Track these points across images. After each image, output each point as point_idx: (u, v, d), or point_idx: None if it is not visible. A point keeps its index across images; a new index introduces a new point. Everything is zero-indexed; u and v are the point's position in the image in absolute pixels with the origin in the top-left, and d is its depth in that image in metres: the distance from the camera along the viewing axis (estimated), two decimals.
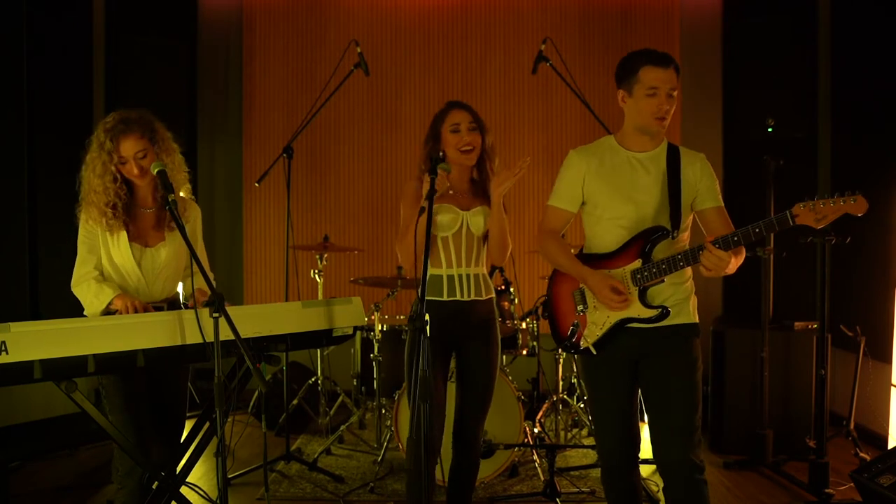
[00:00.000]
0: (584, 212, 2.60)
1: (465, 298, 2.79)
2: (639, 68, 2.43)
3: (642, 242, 2.42)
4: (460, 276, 2.79)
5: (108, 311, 2.49)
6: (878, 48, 4.57)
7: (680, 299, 2.47)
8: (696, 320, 2.51)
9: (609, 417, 2.55)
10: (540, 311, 4.39)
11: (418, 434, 2.22)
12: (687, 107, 5.54)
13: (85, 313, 2.54)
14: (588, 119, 4.81)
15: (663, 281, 2.42)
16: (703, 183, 2.49)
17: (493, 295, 2.89)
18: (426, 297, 2.50)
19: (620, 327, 2.46)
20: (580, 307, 2.55)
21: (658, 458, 2.44)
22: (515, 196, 5.58)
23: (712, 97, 5.45)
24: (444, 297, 2.76)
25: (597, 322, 2.50)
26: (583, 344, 2.54)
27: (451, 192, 2.82)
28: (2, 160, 4.19)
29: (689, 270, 2.48)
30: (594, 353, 2.52)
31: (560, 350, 4.35)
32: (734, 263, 2.32)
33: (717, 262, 2.25)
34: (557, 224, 2.63)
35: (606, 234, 2.52)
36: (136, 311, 2.43)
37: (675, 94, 2.43)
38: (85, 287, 2.52)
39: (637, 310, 2.43)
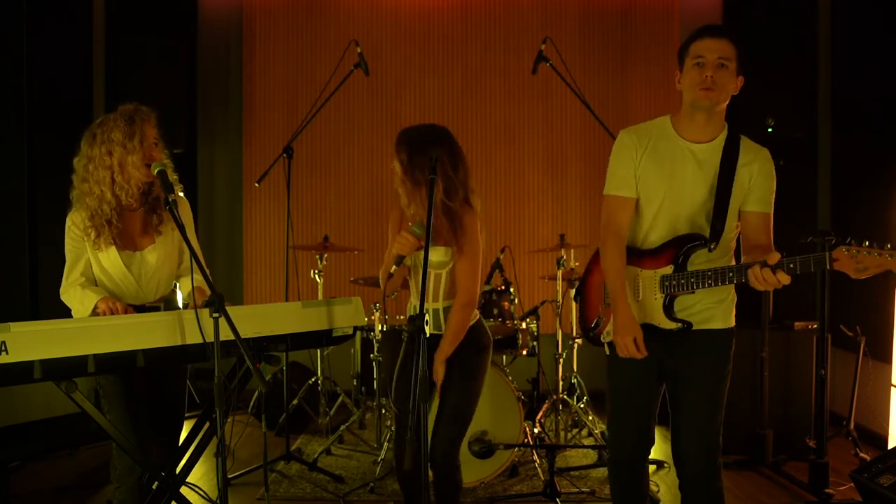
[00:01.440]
0: None
1: None
2: (691, 43, 2.33)
3: (677, 249, 2.32)
4: (415, 308, 2.65)
5: (94, 315, 2.47)
6: (878, 48, 4.57)
7: (711, 303, 2.37)
8: (731, 324, 2.41)
9: (626, 411, 2.49)
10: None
11: (417, 434, 2.21)
12: None
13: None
14: (588, 119, 4.81)
15: (693, 292, 2.32)
16: (754, 185, 2.31)
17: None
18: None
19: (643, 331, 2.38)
20: (607, 301, 2.49)
21: (677, 460, 2.42)
22: (516, 196, 5.57)
23: None
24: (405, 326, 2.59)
25: None
26: (603, 338, 2.50)
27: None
28: (2, 160, 4.19)
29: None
30: (607, 352, 2.47)
31: (560, 351, 4.38)
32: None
33: (772, 282, 2.15)
34: (620, 217, 2.39)
35: (648, 226, 2.39)
36: (120, 312, 2.41)
37: (732, 65, 2.26)
38: (71, 293, 2.53)
39: (659, 319, 2.36)
